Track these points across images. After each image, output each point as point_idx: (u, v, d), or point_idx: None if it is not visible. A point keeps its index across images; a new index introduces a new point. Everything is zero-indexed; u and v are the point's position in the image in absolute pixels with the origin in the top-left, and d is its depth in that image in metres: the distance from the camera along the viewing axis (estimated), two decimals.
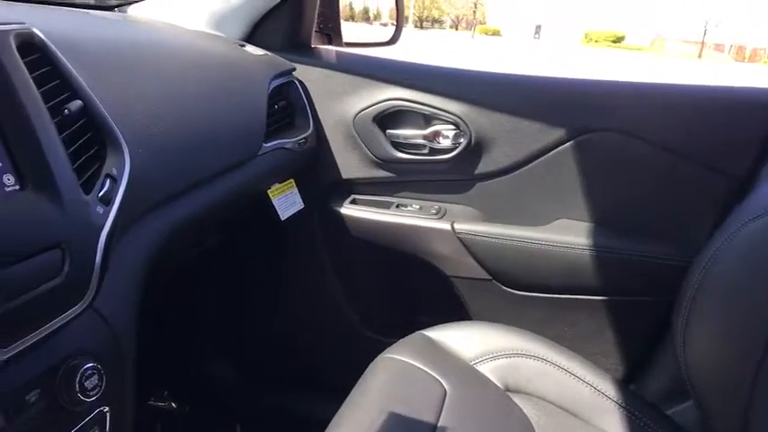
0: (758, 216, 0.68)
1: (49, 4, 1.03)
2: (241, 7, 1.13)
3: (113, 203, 0.60)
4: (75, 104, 0.59)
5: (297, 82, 1.13)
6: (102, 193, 0.59)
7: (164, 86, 0.80)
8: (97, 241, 0.56)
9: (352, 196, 1.20)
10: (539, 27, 33.74)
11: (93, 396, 0.55)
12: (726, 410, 0.66)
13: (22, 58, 0.53)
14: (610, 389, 0.89)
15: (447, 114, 1.09)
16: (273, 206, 1.05)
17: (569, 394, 0.90)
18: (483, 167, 1.11)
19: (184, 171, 0.77)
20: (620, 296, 1.05)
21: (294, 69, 1.13)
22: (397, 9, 1.43)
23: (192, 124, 0.81)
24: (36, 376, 0.52)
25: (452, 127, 1.10)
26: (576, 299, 1.08)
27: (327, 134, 1.16)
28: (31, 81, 0.53)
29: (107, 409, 0.60)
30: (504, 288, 1.12)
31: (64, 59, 0.60)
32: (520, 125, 1.06)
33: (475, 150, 1.10)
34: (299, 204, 1.12)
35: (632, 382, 1.12)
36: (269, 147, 0.99)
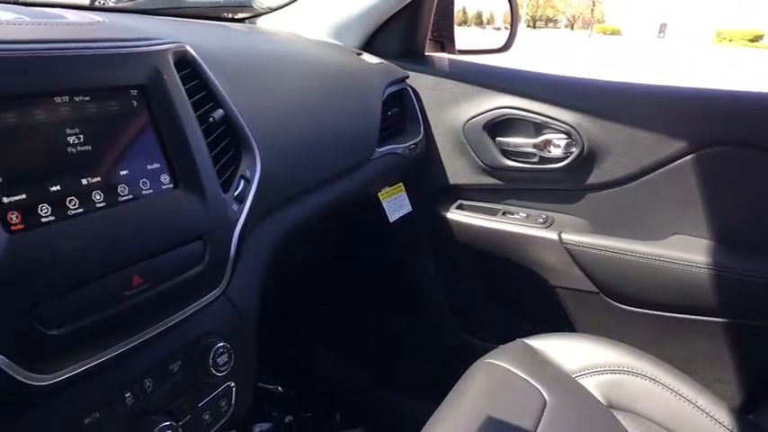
0: None
1: (185, 17, 1.15)
2: (360, 18, 1.19)
3: (246, 202, 0.67)
4: (219, 113, 0.66)
5: (410, 89, 1.17)
6: (237, 193, 0.66)
7: (289, 95, 0.87)
8: (232, 235, 0.63)
9: (459, 201, 1.22)
10: (664, 25, 31.64)
11: (223, 371, 0.63)
12: None
13: (178, 73, 0.61)
14: (725, 417, 0.85)
15: (559, 123, 1.08)
16: (383, 208, 1.10)
17: (679, 418, 0.87)
18: (595, 178, 1.09)
19: (306, 174, 0.83)
20: (742, 319, 0.99)
21: (407, 77, 1.17)
22: (512, 14, 1.43)
23: (314, 130, 0.87)
24: (178, 350, 0.60)
25: (564, 136, 1.09)
26: (692, 319, 1.03)
27: (437, 140, 1.19)
28: (185, 93, 0.61)
29: (233, 384, 0.67)
30: (612, 302, 1.09)
31: (209, 73, 0.67)
32: (636, 136, 1.03)
33: (587, 160, 1.08)
34: (407, 207, 1.16)
35: (751, 412, 1.05)
36: (381, 151, 1.04)
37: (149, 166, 0.57)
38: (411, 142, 1.13)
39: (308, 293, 1.43)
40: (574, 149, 1.08)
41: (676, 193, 1.02)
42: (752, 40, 24.59)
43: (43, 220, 0.47)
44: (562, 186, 1.12)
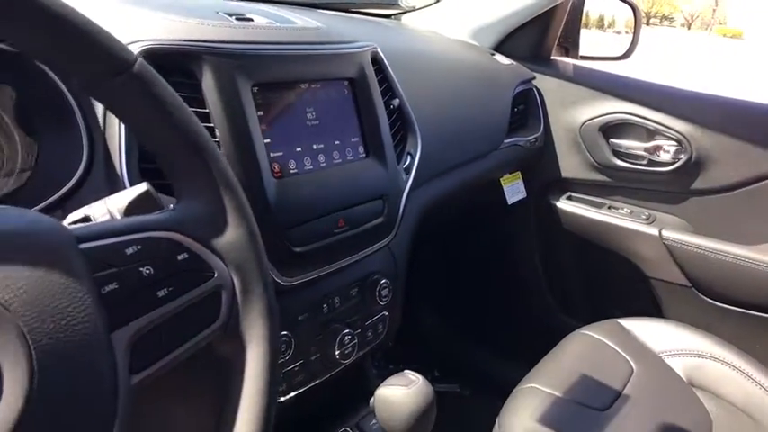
0: None
1: (343, 11, 1.34)
2: (498, 22, 1.34)
3: (411, 173, 0.86)
4: (395, 102, 0.85)
5: (535, 89, 1.32)
6: (405, 165, 0.85)
7: (439, 89, 1.05)
8: (402, 197, 0.82)
9: (569, 193, 1.36)
10: None
11: (384, 302, 0.82)
12: None
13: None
14: None
15: (670, 131, 1.20)
16: (503, 192, 1.26)
17: (751, 400, 0.98)
18: (699, 184, 1.19)
19: (451, 155, 1.01)
20: None
21: (534, 78, 1.32)
22: (636, 23, 1.51)
23: (458, 119, 1.05)
24: (357, 280, 0.80)
25: (674, 143, 1.20)
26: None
27: (555, 137, 1.33)
28: (377, 85, 0.80)
29: (387, 314, 0.87)
30: (702, 296, 1.20)
31: (390, 69, 0.86)
32: (742, 149, 1.13)
33: (694, 167, 1.19)
34: (522, 194, 1.32)
35: None
36: (507, 143, 1.20)
37: (352, 139, 0.76)
38: (532, 137, 1.28)
39: (430, 260, 1.61)
40: (682, 156, 1.19)
41: None
42: None
43: (291, 171, 0.68)
44: (667, 189, 1.24)
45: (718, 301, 1.19)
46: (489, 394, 1.31)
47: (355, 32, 0.89)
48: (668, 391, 0.99)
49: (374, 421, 0.95)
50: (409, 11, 1.48)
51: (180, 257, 0.39)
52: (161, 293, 0.37)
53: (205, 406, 0.58)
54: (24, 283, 0.30)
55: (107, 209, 0.43)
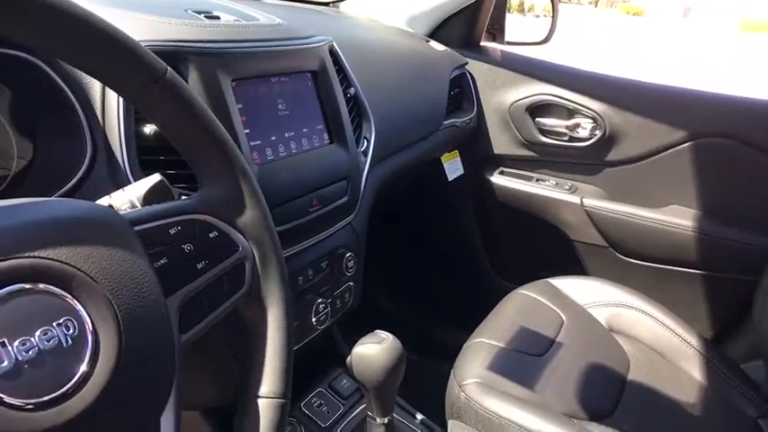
0: None
1: None
2: (432, 10, 1.44)
3: (368, 155, 0.95)
4: (351, 91, 0.94)
5: (468, 74, 1.43)
6: (363, 149, 0.94)
7: (386, 75, 1.14)
8: (362, 178, 0.91)
9: (501, 168, 1.49)
10: (688, 9, 31.25)
11: (350, 273, 0.91)
12: None
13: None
14: (695, 341, 1.14)
15: (587, 110, 1.35)
16: (444, 169, 1.38)
17: (661, 341, 1.16)
18: (612, 156, 1.36)
19: (399, 137, 1.11)
20: (715, 272, 1.28)
21: (467, 63, 1.43)
22: (553, 10, 1.66)
23: (402, 104, 1.14)
24: (326, 254, 0.88)
25: (591, 121, 1.36)
26: (678, 270, 1.32)
27: (486, 117, 1.46)
28: (336, 76, 0.88)
29: (352, 284, 0.96)
30: (618, 255, 1.38)
31: (344, 59, 0.94)
32: (648, 125, 1.29)
33: (607, 141, 1.35)
34: (460, 170, 1.44)
35: (717, 343, 1.34)
36: (446, 124, 1.31)
37: (317, 127, 0.84)
38: (467, 118, 1.40)
39: (379, 234, 1.70)
40: (597, 132, 1.35)
41: (676, 172, 1.29)
42: None
43: (268, 158, 0.75)
44: (586, 161, 1.40)
45: (631, 258, 1.37)
46: (437, 357, 1.44)
47: (310, 26, 0.95)
48: (593, 337, 1.15)
49: (345, 381, 1.05)
50: None
51: (211, 235, 0.47)
52: (199, 266, 0.45)
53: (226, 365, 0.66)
54: (103, 259, 0.37)
55: (127, 198, 0.49)
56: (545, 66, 1.42)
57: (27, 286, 0.33)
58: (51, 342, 0.33)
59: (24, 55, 0.56)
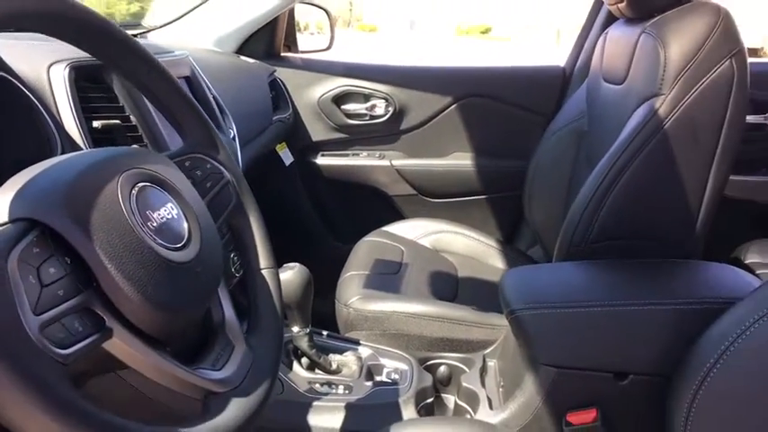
0: None
1: None
2: (236, 30, 1.69)
3: (236, 141, 1.18)
4: (213, 94, 1.16)
5: (278, 79, 1.71)
6: (232, 136, 1.17)
7: (223, 84, 1.36)
8: (239, 158, 1.14)
9: (321, 152, 1.80)
10: (413, 22, 35.51)
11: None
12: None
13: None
14: (494, 243, 1.58)
15: (380, 93, 1.73)
16: (280, 157, 1.64)
17: (471, 248, 1.57)
18: (405, 125, 1.76)
19: (246, 130, 1.35)
20: (494, 193, 1.76)
21: (275, 71, 1.71)
22: (330, 24, 2.02)
23: (240, 105, 1.38)
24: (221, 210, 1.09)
25: (384, 101, 1.74)
26: (470, 199, 1.77)
27: (301, 112, 1.75)
28: (203, 80, 1.10)
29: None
30: (426, 198, 1.79)
31: (198, 69, 1.16)
32: (425, 97, 1.72)
33: (399, 115, 1.74)
34: (290, 158, 1.71)
35: (508, 241, 1.82)
36: (275, 120, 1.58)
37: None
38: (286, 114, 1.68)
39: None
40: (390, 109, 1.74)
41: (452, 127, 1.74)
42: (483, 32, 29.08)
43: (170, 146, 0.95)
44: (386, 133, 1.78)
45: (436, 199, 1.79)
46: None
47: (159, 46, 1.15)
48: (426, 255, 1.51)
49: None
50: (153, 29, 1.71)
51: (208, 166, 0.69)
52: (208, 185, 0.67)
53: None
54: (175, 177, 0.59)
55: None
56: (340, 64, 1.77)
57: (148, 184, 0.54)
58: (168, 215, 0.54)
59: None
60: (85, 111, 0.79)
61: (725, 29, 0.96)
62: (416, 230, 1.62)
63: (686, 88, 0.95)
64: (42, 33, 0.52)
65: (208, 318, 0.62)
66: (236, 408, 0.54)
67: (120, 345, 0.46)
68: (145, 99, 0.88)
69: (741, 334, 0.65)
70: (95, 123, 0.80)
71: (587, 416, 0.88)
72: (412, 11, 36.13)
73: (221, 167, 0.71)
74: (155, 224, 0.53)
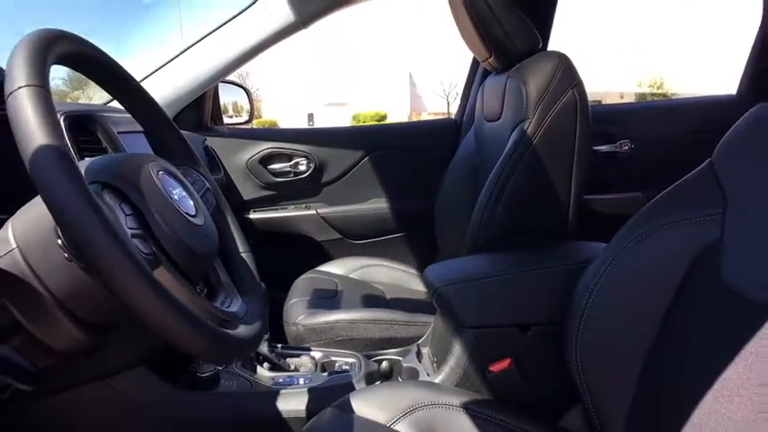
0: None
1: None
2: (167, 107, 1.89)
3: None
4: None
5: (210, 147, 1.92)
6: None
7: None
8: None
9: (252, 208, 2.00)
10: (311, 115, 36.96)
11: None
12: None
13: None
14: (414, 272, 1.81)
15: (299, 152, 1.98)
16: None
17: (395, 278, 1.80)
18: (326, 178, 2.01)
19: None
20: (408, 232, 2.01)
21: (206, 140, 1.92)
22: (250, 103, 2.28)
23: None
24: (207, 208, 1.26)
25: (305, 159, 1.98)
26: (387, 238, 2.01)
27: (232, 174, 1.96)
28: None
29: None
30: (350, 240, 2.01)
31: None
32: (341, 152, 1.99)
33: (319, 170, 1.99)
34: None
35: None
36: (216, 179, 1.76)
37: None
38: (219, 176, 1.87)
39: None
40: (312, 165, 1.98)
41: (367, 176, 2.00)
42: (378, 120, 30.93)
43: None
44: (309, 187, 2.01)
45: (357, 240, 2.02)
46: None
47: None
48: (358, 284, 1.72)
49: None
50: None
51: (194, 175, 0.89)
52: (196, 188, 0.87)
53: None
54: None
55: None
56: (263, 130, 2.02)
57: (165, 173, 0.74)
58: (182, 194, 0.74)
59: None
60: (76, 150, 0.97)
61: (566, 68, 1.30)
62: (345, 267, 1.84)
63: (544, 113, 1.27)
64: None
65: (213, 277, 0.80)
66: (245, 330, 0.72)
67: (165, 274, 0.65)
68: (123, 143, 1.07)
69: (598, 281, 0.90)
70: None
71: (503, 364, 1.11)
72: (310, 105, 37.79)
73: (202, 177, 0.92)
74: (176, 197, 0.73)
